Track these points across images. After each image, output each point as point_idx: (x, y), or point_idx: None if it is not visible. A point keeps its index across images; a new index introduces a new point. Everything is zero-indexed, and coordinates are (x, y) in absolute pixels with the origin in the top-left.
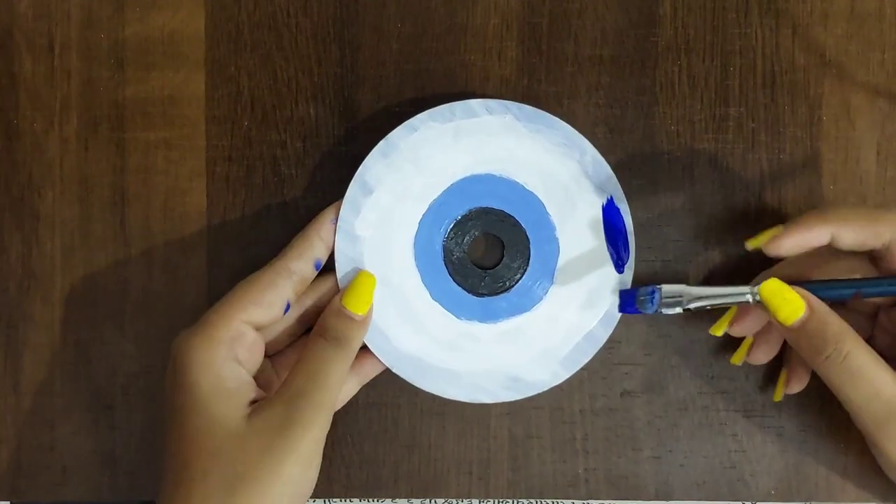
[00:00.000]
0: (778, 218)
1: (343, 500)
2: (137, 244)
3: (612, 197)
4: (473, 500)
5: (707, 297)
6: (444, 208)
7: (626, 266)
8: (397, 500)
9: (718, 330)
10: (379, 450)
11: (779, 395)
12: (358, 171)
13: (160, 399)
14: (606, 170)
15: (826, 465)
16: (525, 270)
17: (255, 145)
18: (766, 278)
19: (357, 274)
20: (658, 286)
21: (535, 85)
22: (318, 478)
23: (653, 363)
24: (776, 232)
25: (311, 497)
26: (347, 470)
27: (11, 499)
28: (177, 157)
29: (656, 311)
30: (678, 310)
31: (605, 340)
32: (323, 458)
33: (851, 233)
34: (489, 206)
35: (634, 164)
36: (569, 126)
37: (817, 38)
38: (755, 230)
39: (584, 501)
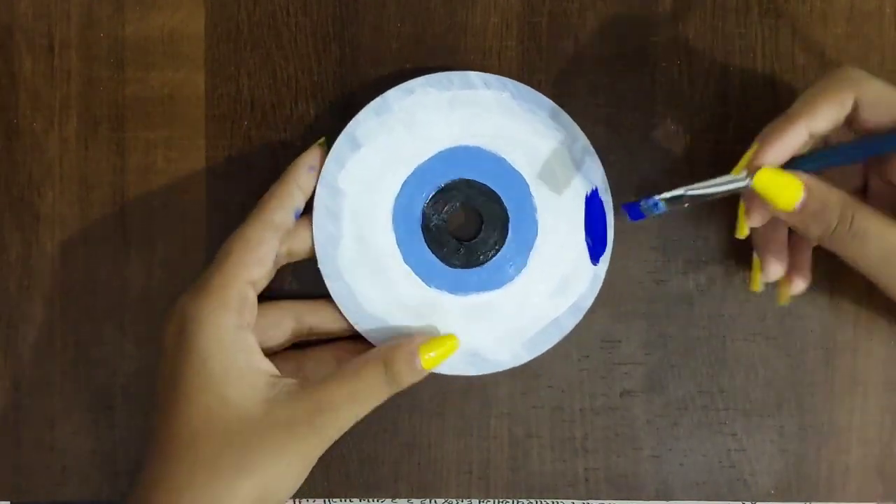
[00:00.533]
0: None
1: (343, 500)
2: (137, 244)
3: (596, 188)
4: (473, 500)
5: (706, 187)
6: (429, 175)
7: (601, 258)
8: (397, 500)
9: (742, 231)
10: (378, 449)
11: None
12: (348, 125)
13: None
14: (595, 160)
15: (826, 465)
16: (500, 248)
17: (255, 145)
18: (753, 164)
19: (447, 336)
20: (652, 196)
21: (535, 85)
22: (318, 478)
23: (653, 363)
24: (752, 153)
25: (312, 497)
26: (347, 470)
27: (11, 499)
28: (177, 157)
29: (662, 212)
30: (685, 205)
31: (570, 328)
32: (322, 458)
33: (823, 121)
34: (474, 179)
35: (634, 163)
36: (562, 111)
37: (817, 38)
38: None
39: (584, 501)
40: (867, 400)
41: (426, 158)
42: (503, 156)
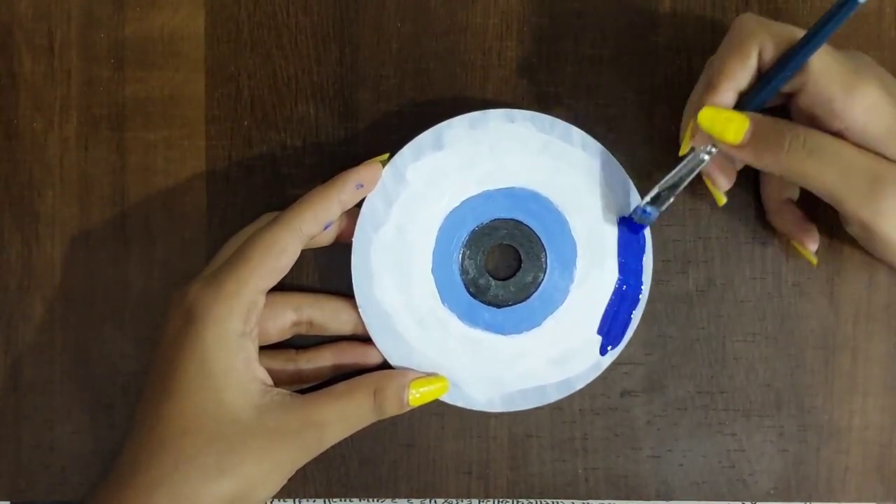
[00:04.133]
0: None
1: (343, 500)
2: (137, 244)
3: (640, 279)
4: (473, 500)
5: (676, 177)
6: (494, 203)
7: (609, 352)
8: (397, 500)
9: (719, 199)
10: (378, 449)
11: (812, 259)
12: (440, 124)
13: None
14: (649, 260)
15: (826, 466)
16: (523, 301)
17: (255, 145)
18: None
19: (439, 377)
20: (638, 204)
21: (535, 85)
22: (318, 478)
23: (653, 363)
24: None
25: (312, 497)
26: (347, 470)
27: (11, 499)
28: (177, 157)
29: (656, 215)
30: (670, 199)
31: (553, 400)
32: (322, 458)
33: (743, 80)
34: (532, 229)
35: (634, 163)
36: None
37: None
38: (755, 229)
39: (584, 501)
40: (867, 400)
41: (498, 187)
42: (567, 219)
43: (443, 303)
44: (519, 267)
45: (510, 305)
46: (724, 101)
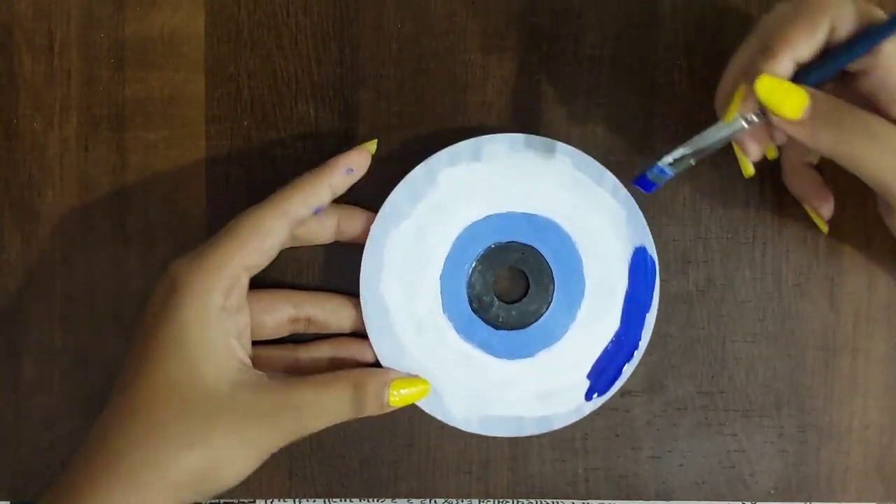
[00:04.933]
0: (778, 217)
1: (343, 500)
2: (137, 244)
3: (640, 333)
4: (473, 500)
5: (707, 141)
6: (511, 224)
7: (595, 398)
8: (397, 500)
9: (747, 169)
10: (378, 450)
11: (823, 226)
12: (482, 137)
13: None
14: (654, 308)
15: (826, 466)
16: (522, 329)
17: (255, 145)
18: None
19: (420, 379)
20: (657, 162)
21: (535, 85)
22: (318, 478)
23: (653, 363)
24: (740, 96)
25: (312, 497)
26: (347, 470)
27: (11, 499)
28: (177, 157)
29: (671, 176)
30: (691, 163)
31: (528, 434)
32: (322, 458)
33: (805, 50)
34: (544, 259)
35: (634, 163)
36: (651, 247)
37: None
38: (755, 227)
39: (584, 501)
40: (867, 401)
41: (523, 211)
42: (582, 259)
43: (443, 310)
44: (525, 293)
45: (508, 329)
46: (781, 71)
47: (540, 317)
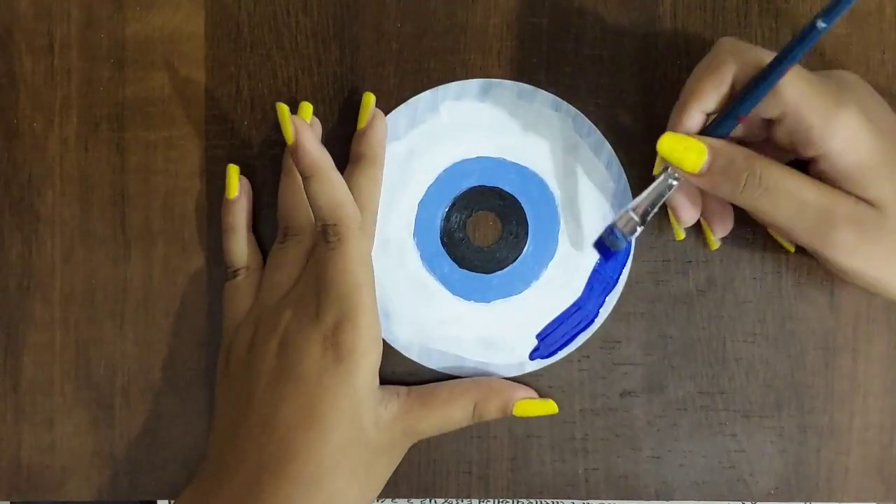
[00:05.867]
0: None
1: None
2: (137, 244)
3: (597, 310)
4: (473, 500)
5: (646, 200)
6: (499, 170)
7: (538, 360)
8: (397, 500)
9: (679, 234)
10: None
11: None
12: (491, 79)
13: (164, 393)
14: (617, 290)
15: (826, 466)
16: (487, 274)
17: (255, 145)
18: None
19: (548, 402)
20: (608, 224)
21: (534, 85)
22: None
23: (653, 363)
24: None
25: None
26: None
27: (11, 499)
28: (177, 157)
29: (628, 240)
30: (640, 229)
31: (470, 370)
32: None
33: (711, 101)
34: (517, 200)
35: (634, 163)
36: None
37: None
38: (754, 230)
39: (584, 501)
40: (867, 401)
41: (516, 161)
42: (561, 221)
43: (413, 236)
44: (497, 241)
45: (471, 271)
46: (690, 122)
47: (505, 267)
